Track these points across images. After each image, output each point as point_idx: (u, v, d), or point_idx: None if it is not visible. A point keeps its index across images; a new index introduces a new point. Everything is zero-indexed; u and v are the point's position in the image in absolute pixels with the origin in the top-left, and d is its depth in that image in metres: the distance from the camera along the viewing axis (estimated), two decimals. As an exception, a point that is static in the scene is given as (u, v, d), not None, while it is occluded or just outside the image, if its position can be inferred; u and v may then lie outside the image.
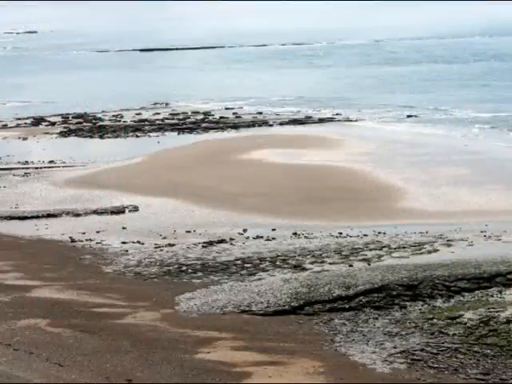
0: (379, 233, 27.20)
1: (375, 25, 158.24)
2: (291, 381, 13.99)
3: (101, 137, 52.42)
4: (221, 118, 58.09)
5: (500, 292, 19.62)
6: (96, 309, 18.36)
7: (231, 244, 26.09)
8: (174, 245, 26.06)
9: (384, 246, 24.89)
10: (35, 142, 50.89)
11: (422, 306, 18.80)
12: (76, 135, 53.46)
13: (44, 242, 27.39)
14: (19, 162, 43.58)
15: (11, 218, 31.13)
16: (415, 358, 15.46)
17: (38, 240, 27.70)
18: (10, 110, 66.35)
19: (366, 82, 78.99)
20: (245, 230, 28.25)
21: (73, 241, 27.20)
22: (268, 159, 41.65)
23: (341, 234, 27.38)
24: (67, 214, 31.50)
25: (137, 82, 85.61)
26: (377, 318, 17.99)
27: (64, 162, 43.40)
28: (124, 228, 29.12)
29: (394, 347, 16.01)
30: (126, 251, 25.28)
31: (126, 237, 27.61)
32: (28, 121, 59.86)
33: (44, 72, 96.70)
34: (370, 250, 24.49)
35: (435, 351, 15.80)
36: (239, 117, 58.30)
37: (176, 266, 23.10)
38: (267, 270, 22.40)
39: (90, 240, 27.19)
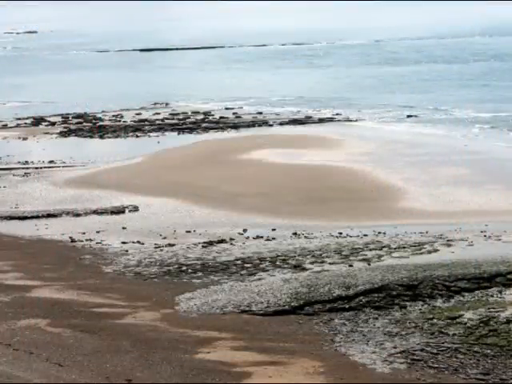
0: (379, 233, 27.19)
1: (375, 25, 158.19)
2: (291, 381, 13.98)
3: (101, 137, 52.42)
4: (221, 117, 58.08)
5: (500, 292, 19.61)
6: (96, 309, 18.35)
7: (231, 244, 26.08)
8: (174, 245, 26.05)
9: (384, 246, 24.88)
10: (35, 142, 50.89)
11: (422, 306, 18.78)
12: (76, 135, 53.48)
13: (44, 241, 27.38)
14: (19, 162, 43.58)
15: (11, 217, 31.14)
16: (415, 358, 15.45)
17: (38, 240, 27.69)
18: (9, 110, 66.35)
19: (366, 81, 78.98)
20: (245, 230, 28.25)
21: (73, 241, 27.20)
22: (268, 159, 41.64)
23: (341, 233, 27.37)
24: (67, 214, 31.50)
25: (137, 82, 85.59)
26: (377, 318, 17.98)
27: (64, 162, 43.41)
28: (124, 228, 29.12)
29: (394, 347, 16.01)
30: (126, 251, 25.27)
31: (126, 237, 27.60)
32: (28, 121, 59.87)
33: (44, 72, 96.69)
34: (370, 249, 24.48)
35: (435, 351, 15.80)
36: (239, 117, 58.29)
37: (176, 266, 23.09)
38: (267, 270, 22.39)
39: (90, 240, 27.18)
